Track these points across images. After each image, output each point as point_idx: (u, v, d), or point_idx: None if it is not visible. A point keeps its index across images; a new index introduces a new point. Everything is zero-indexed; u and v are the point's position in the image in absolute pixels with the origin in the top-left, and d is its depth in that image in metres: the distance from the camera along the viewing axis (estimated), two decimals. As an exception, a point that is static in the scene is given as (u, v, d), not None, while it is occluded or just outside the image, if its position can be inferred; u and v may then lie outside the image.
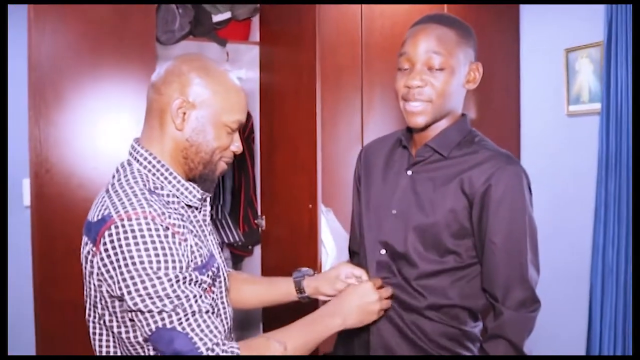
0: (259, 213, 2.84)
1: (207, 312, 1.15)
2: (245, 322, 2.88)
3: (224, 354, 1.13)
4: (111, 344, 1.24)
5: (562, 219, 2.85)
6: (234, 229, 2.84)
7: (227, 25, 2.78)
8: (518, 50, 3.10)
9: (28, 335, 2.19)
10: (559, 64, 2.88)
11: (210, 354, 1.12)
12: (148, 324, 1.11)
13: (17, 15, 2.25)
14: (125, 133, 2.18)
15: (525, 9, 3.06)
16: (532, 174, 1.43)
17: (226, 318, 1.33)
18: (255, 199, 2.93)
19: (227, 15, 2.75)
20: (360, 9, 2.60)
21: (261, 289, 1.57)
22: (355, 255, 1.69)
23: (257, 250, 2.90)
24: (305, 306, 1.60)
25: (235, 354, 1.15)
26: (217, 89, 1.25)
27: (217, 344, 1.13)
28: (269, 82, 2.66)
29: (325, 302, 1.49)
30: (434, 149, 1.44)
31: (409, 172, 1.48)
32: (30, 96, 2.04)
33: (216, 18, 2.74)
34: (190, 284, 1.14)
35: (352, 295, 1.38)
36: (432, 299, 1.42)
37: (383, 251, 1.49)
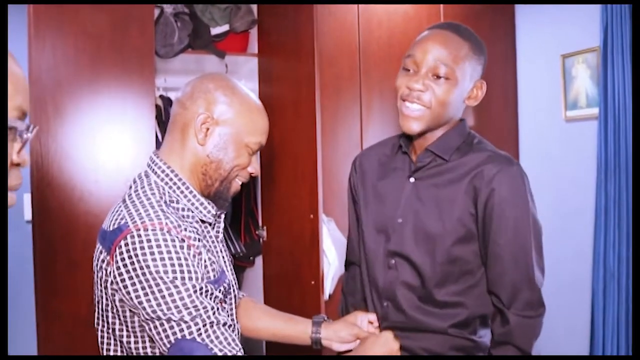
0: (260, 224, 2.84)
1: (224, 324, 1.14)
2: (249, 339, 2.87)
3: None
4: (119, 353, 1.23)
5: (561, 224, 2.85)
6: (235, 240, 2.85)
7: (226, 38, 2.80)
8: (514, 57, 3.11)
9: (30, 347, 2.19)
10: (556, 69, 2.89)
11: None
12: (167, 335, 1.10)
13: (17, 31, 2.26)
14: (125, 146, 2.19)
15: (520, 16, 3.08)
16: (530, 179, 1.43)
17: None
18: (256, 209, 2.93)
19: (225, 27, 2.77)
20: (358, 20, 2.62)
21: (277, 324, 1.54)
22: (352, 266, 1.67)
23: (259, 261, 2.90)
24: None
25: None
26: (241, 110, 1.27)
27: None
28: (268, 93, 2.67)
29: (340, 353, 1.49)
30: (434, 153, 1.44)
31: (412, 179, 1.47)
32: (31, 111, 2.04)
33: (214, 31, 2.76)
34: (206, 295, 1.14)
35: (374, 345, 1.38)
36: (451, 314, 1.41)
37: (393, 261, 1.46)
